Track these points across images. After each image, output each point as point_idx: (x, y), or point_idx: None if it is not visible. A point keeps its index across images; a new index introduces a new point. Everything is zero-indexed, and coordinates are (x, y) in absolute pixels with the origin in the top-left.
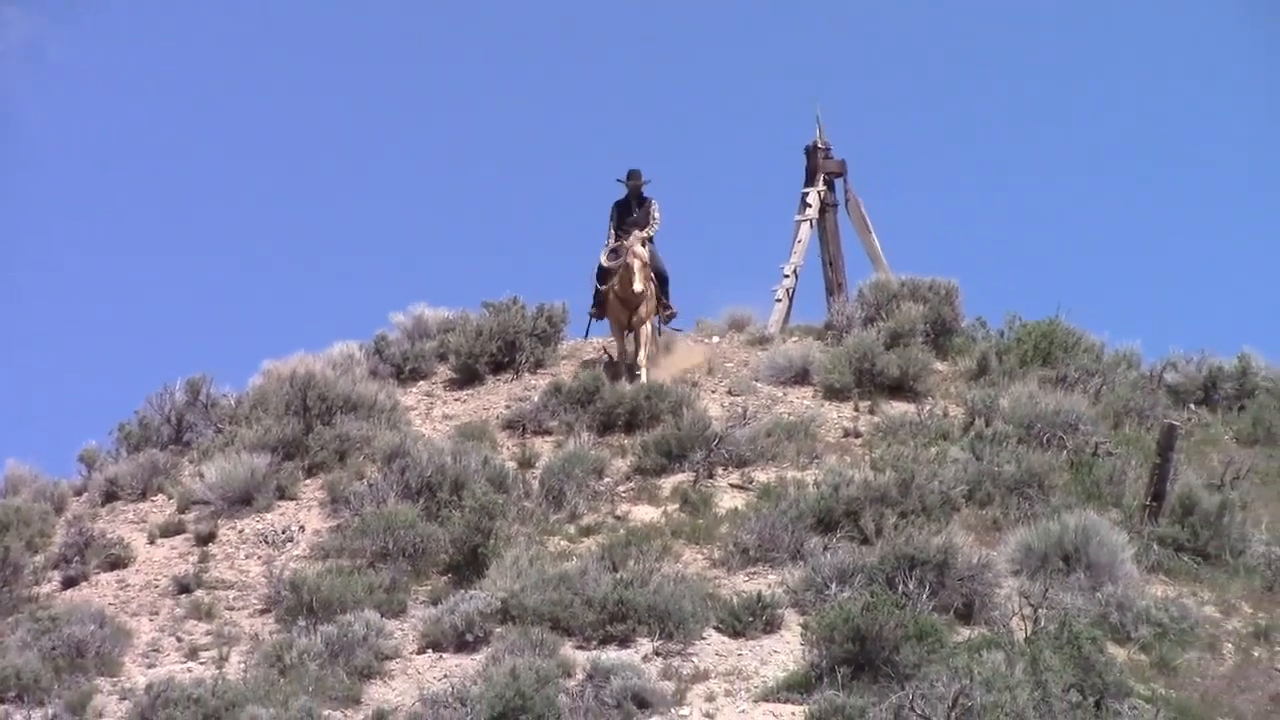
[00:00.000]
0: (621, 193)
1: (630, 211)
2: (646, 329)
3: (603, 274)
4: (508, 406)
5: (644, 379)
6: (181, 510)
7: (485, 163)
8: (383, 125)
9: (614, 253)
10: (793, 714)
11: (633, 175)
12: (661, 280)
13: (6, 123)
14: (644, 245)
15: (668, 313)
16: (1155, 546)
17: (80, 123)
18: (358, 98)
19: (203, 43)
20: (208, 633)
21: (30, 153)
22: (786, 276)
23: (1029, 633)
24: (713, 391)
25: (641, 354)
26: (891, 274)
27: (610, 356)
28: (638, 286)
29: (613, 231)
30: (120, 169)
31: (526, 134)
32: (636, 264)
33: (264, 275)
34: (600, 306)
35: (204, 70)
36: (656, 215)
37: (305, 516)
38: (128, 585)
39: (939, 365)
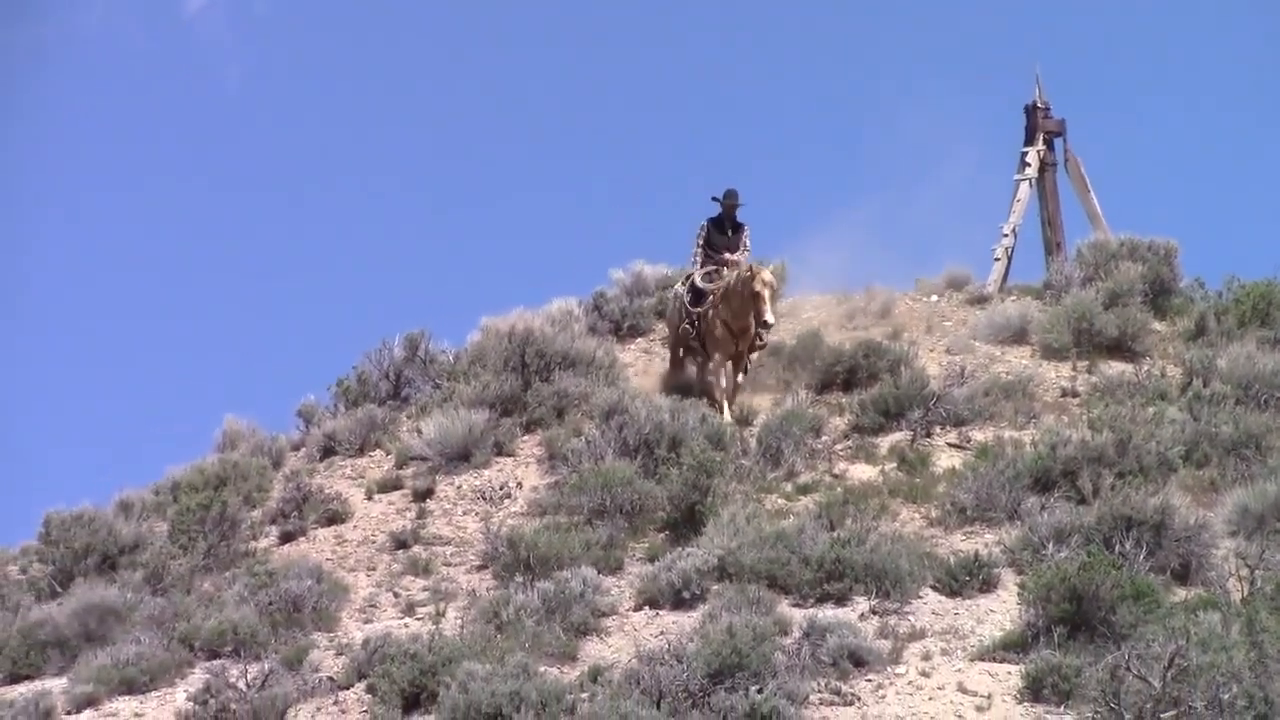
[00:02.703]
0: (713, 210)
1: (724, 233)
2: (749, 360)
3: (697, 297)
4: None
5: (727, 416)
6: (399, 466)
7: (706, 119)
8: (609, 81)
9: (711, 276)
10: (1009, 673)
11: (729, 195)
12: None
13: (210, 77)
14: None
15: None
16: None
17: (285, 76)
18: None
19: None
20: (425, 588)
21: (237, 107)
22: (1005, 235)
23: (1245, 594)
24: (931, 350)
25: (734, 386)
26: (1110, 233)
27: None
28: (769, 318)
29: (700, 251)
30: (336, 123)
31: (755, 86)
32: (767, 293)
33: (484, 230)
34: (677, 333)
35: (420, 25)
36: (749, 246)
37: (523, 473)
38: (345, 541)
39: (1157, 325)
